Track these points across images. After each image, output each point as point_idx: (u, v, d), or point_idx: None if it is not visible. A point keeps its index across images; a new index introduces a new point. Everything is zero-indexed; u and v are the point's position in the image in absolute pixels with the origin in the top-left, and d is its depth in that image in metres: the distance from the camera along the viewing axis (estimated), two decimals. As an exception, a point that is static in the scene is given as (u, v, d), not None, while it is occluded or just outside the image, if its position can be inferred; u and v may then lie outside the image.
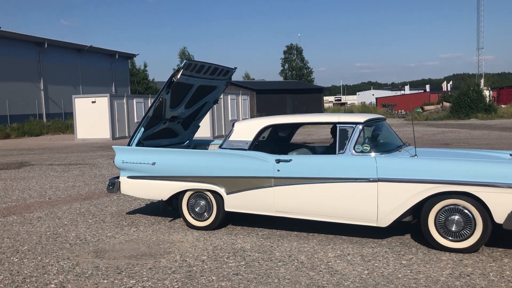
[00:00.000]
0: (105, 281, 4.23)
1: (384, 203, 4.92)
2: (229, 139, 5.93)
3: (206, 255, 4.90)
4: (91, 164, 13.30)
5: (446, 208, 4.76)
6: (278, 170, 5.39)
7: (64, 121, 32.35)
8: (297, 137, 20.45)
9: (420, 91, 71.98)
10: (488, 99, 36.75)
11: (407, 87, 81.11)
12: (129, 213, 6.96)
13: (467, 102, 34.07)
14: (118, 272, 4.44)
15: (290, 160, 5.40)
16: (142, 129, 6.29)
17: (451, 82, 55.94)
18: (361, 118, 5.44)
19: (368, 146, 5.16)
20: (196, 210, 5.91)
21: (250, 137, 5.81)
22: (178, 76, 6.00)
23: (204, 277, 4.27)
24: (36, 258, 4.95)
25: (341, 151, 5.24)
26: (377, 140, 5.57)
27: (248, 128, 5.92)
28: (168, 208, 6.28)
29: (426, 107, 43.93)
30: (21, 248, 5.32)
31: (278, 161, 5.43)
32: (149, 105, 25.95)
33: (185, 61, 5.97)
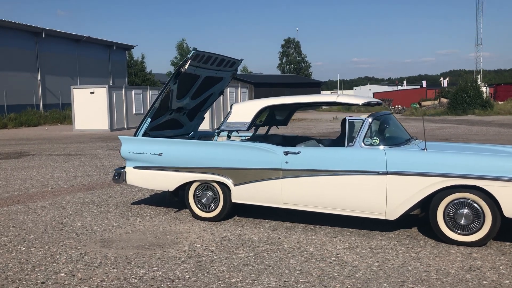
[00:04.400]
0: (115, 271, 4.22)
1: (393, 196, 4.92)
2: (228, 121, 5.93)
3: (215, 245, 4.90)
4: (91, 154, 13.24)
5: (455, 201, 4.77)
6: (287, 162, 5.37)
7: (61, 112, 32.16)
8: (296, 131, 20.46)
9: (417, 87, 71.98)
10: (485, 96, 36.81)
11: (405, 83, 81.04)
12: (134, 203, 6.94)
13: (464, 98, 34.14)
14: (127, 262, 4.43)
15: (298, 152, 5.39)
16: (149, 119, 6.25)
17: (447, 78, 56.00)
18: (359, 100, 5.55)
19: (377, 139, 5.16)
20: (203, 201, 5.89)
21: (248, 118, 5.81)
22: (186, 67, 5.96)
23: (214, 267, 4.27)
24: (44, 247, 4.93)
25: (350, 144, 5.24)
26: (386, 133, 5.57)
27: (246, 110, 5.92)
28: (174, 199, 6.26)
29: (424, 103, 44.02)
30: (28, 237, 5.29)
31: (286, 153, 5.42)
32: (148, 96, 25.92)
33: (193, 51, 5.91)
